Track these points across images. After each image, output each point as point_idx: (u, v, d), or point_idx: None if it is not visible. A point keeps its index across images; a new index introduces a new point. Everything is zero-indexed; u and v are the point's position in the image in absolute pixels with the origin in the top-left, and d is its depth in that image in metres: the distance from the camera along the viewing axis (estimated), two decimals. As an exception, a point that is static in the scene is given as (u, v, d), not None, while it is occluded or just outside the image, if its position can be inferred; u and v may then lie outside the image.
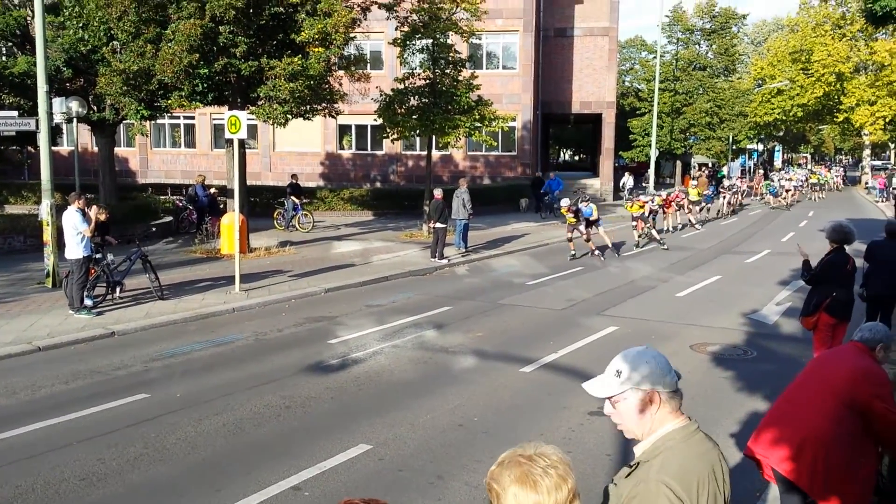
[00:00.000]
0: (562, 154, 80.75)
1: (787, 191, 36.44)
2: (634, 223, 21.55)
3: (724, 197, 31.65)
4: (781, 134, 58.80)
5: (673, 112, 46.09)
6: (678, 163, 49.69)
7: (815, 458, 4.28)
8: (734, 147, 51.26)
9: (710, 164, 53.16)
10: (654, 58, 43.59)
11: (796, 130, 57.86)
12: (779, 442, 4.45)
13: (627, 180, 41.23)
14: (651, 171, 35.47)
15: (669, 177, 51.92)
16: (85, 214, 12.14)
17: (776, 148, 68.36)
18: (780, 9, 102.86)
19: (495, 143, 29.95)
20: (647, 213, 21.70)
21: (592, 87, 37.50)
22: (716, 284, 15.79)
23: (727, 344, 10.71)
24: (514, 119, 32.01)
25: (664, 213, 24.45)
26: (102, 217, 13.00)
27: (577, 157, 77.65)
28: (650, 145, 37.75)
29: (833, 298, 8.02)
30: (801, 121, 51.66)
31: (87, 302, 12.06)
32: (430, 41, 22.70)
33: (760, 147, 63.94)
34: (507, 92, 33.16)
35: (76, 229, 11.80)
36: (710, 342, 10.79)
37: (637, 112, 47.67)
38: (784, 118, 49.82)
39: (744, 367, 9.58)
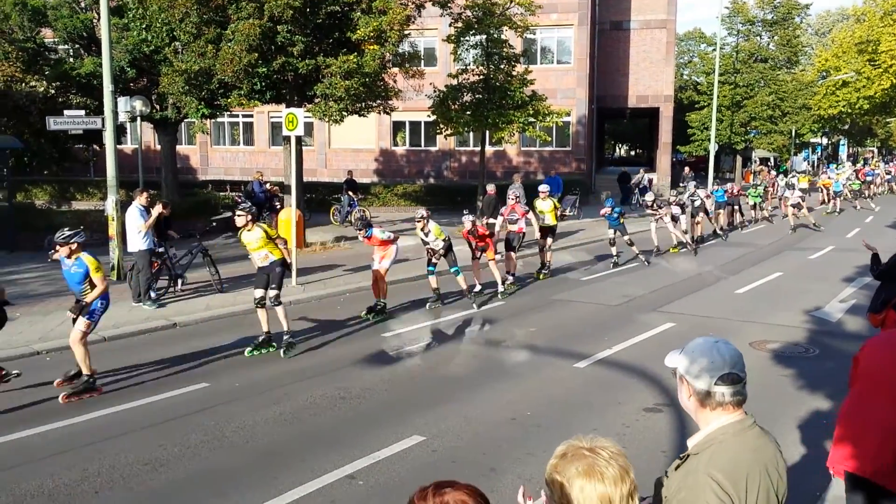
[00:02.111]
0: (617, 149, 79.75)
1: (794, 206, 24.07)
2: (379, 266, 12.16)
3: (656, 220, 19.08)
4: (846, 127, 56.91)
5: (733, 105, 45.04)
6: (738, 157, 48.56)
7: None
8: (797, 141, 49.86)
9: (770, 159, 51.83)
10: (714, 50, 42.69)
11: (862, 123, 55.87)
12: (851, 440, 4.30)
13: (642, 178, 32.40)
14: (710, 166, 34.64)
15: (729, 171, 50.78)
16: (148, 211, 12.50)
17: (841, 142, 66.23)
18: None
19: (549, 139, 29.82)
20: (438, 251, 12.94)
21: (649, 81, 36.92)
22: (777, 281, 15.41)
23: (788, 341, 10.44)
24: (568, 114, 31.75)
25: (476, 254, 13.77)
26: (166, 212, 13.36)
27: (633, 153, 76.59)
28: (709, 139, 36.97)
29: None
30: (868, 114, 49.87)
31: (151, 294, 12.42)
32: (484, 37, 22.68)
33: (825, 141, 62.03)
34: (562, 87, 32.88)
35: (137, 224, 12.20)
36: (771, 339, 10.54)
37: (696, 105, 46.74)
38: (849, 111, 48.20)
39: (805, 364, 9.34)
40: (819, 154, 61.58)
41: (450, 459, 6.49)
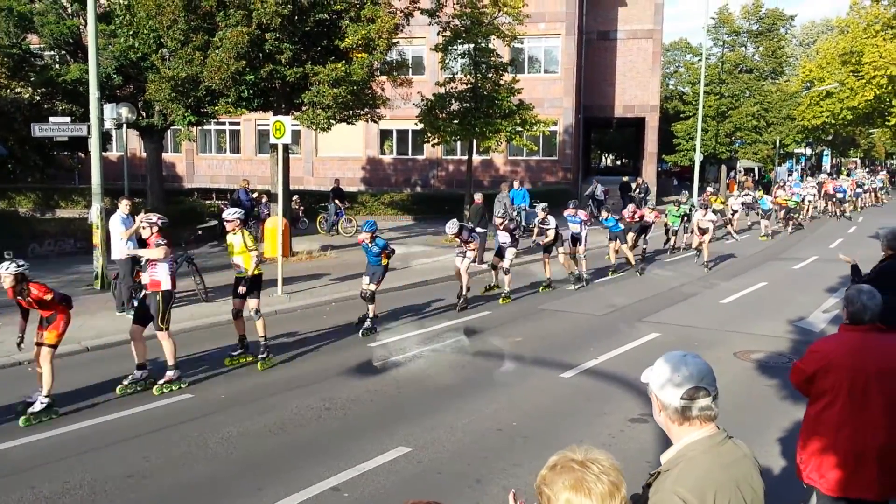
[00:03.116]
0: (604, 159, 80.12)
1: (701, 231, 18.73)
2: None
3: (461, 255, 13.73)
4: (830, 138, 57.45)
5: (718, 115, 45.36)
6: (723, 167, 48.87)
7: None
8: (781, 151, 50.27)
9: (755, 169, 52.18)
10: (699, 60, 43.03)
11: (846, 134, 56.44)
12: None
13: (595, 189, 28.80)
14: (695, 176, 34.80)
15: (714, 181, 51.12)
16: (131, 218, 12.45)
17: (824, 152, 66.85)
18: (829, 9, 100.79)
19: (536, 148, 29.91)
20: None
21: (636, 91, 37.14)
22: (761, 291, 15.51)
23: (772, 351, 10.50)
24: (555, 123, 31.85)
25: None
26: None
27: (619, 162, 76.94)
28: (694, 149, 37.20)
29: (885, 306, 7.77)
30: (851, 124, 50.35)
31: (135, 303, 12.32)
32: (472, 46, 22.75)
33: (808, 151, 62.56)
34: (549, 96, 33.02)
35: (119, 232, 12.17)
36: (755, 349, 10.60)
37: (681, 116, 47.04)
38: (833, 122, 48.66)
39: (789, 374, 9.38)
40: (803, 164, 62.04)
41: (435, 471, 6.47)
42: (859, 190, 38.08)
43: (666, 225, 21.41)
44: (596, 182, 30.27)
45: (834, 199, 33.44)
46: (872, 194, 41.04)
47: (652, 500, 2.40)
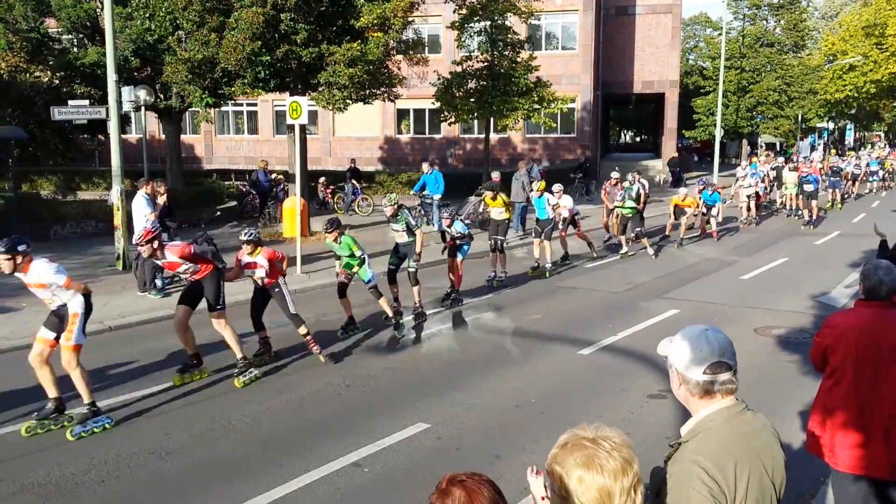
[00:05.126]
0: (622, 135, 79.45)
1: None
2: None
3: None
4: (853, 112, 56.54)
5: (739, 90, 44.80)
6: (744, 142, 48.31)
7: None
8: (803, 126, 49.60)
9: (776, 145, 51.52)
10: (719, 35, 42.41)
11: (869, 108, 55.49)
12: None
13: (531, 168, 21.52)
14: (716, 152, 34.41)
15: (735, 157, 50.57)
16: (153, 200, 12.55)
17: (848, 126, 65.84)
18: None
19: (554, 125, 29.70)
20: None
21: (655, 66, 36.72)
22: (782, 267, 15.37)
23: (793, 327, 10.43)
24: (573, 100, 31.60)
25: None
26: (161, 199, 13.27)
27: (638, 139, 76.27)
28: (715, 125, 36.80)
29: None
30: (875, 97, 49.57)
31: (157, 283, 12.47)
32: (489, 23, 22.59)
33: (831, 125, 61.66)
34: (567, 73, 32.74)
35: (143, 213, 12.25)
36: (776, 325, 10.52)
37: (701, 91, 46.49)
38: (856, 95, 47.90)
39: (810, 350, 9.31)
40: (826, 139, 61.16)
41: (454, 446, 6.52)
42: (834, 179, 26.51)
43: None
44: (532, 162, 24.63)
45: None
46: (851, 183, 29.54)
47: (671, 470, 2.40)
